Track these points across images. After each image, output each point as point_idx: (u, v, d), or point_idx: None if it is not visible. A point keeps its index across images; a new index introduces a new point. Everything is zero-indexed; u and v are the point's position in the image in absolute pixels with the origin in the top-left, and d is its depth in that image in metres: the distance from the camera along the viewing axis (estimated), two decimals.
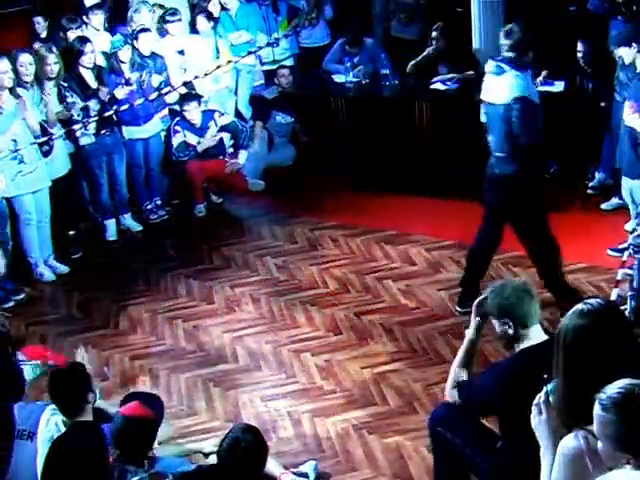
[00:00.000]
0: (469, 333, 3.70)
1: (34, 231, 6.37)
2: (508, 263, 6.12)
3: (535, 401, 2.65)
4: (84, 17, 7.42)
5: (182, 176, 7.56)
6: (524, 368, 3.38)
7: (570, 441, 2.48)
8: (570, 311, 2.66)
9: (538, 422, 2.63)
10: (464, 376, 3.63)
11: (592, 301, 2.64)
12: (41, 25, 7.78)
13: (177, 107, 7.51)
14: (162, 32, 7.60)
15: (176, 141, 7.37)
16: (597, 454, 2.34)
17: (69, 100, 6.51)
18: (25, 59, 6.23)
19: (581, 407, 2.43)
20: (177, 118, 7.45)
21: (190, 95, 7.41)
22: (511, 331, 3.44)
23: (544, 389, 2.65)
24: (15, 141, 6.01)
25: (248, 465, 3.26)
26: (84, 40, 6.71)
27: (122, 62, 6.93)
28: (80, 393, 3.59)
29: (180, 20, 7.61)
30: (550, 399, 2.62)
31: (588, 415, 2.35)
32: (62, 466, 3.10)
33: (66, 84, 6.54)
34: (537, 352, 3.38)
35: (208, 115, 7.49)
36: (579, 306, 2.65)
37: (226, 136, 7.68)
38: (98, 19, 7.39)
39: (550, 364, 2.73)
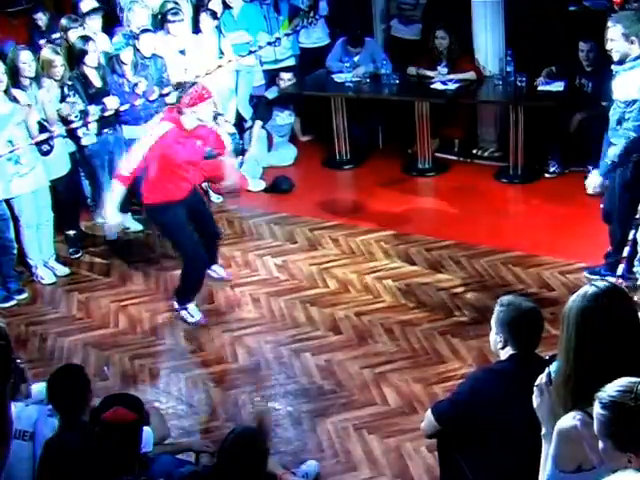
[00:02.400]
0: None
1: (34, 233, 6.36)
2: (508, 263, 6.13)
3: (537, 382, 2.65)
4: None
5: None
6: (505, 374, 3.40)
7: (566, 421, 2.48)
8: (576, 292, 2.66)
9: (540, 403, 2.63)
10: None
11: (599, 283, 2.64)
12: (43, 20, 7.75)
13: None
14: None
15: None
16: (593, 436, 2.34)
17: (70, 100, 6.50)
18: (26, 57, 6.20)
19: (581, 389, 2.43)
20: None
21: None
22: (500, 345, 3.44)
23: (547, 370, 2.65)
24: (11, 142, 5.94)
25: (249, 466, 3.26)
26: (87, 39, 6.69)
27: (124, 63, 6.92)
28: (78, 396, 3.56)
29: (182, 20, 7.59)
30: (552, 380, 2.62)
31: (586, 398, 2.36)
32: (54, 467, 3.09)
33: (70, 83, 6.53)
34: (524, 358, 3.39)
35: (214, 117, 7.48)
36: (586, 288, 2.63)
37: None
38: (96, 23, 7.35)
39: (534, 370, 2.74)
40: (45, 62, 6.34)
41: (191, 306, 5.82)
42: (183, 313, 5.81)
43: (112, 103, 6.63)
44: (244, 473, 3.24)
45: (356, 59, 8.25)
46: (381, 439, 4.47)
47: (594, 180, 5.40)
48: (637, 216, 5.30)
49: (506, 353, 3.45)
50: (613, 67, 5.24)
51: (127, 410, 3.38)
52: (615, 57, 5.15)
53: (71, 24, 7.04)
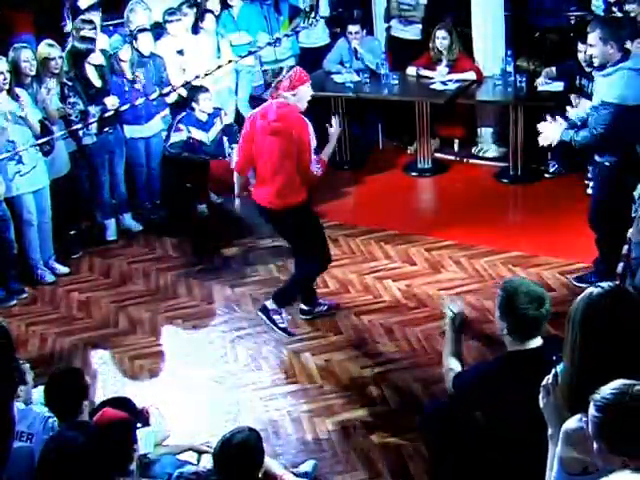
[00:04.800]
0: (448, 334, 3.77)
1: (35, 232, 6.36)
2: (508, 263, 6.13)
3: (543, 382, 2.65)
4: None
5: (193, 173, 7.49)
6: (503, 372, 3.35)
7: (572, 423, 2.49)
8: (582, 294, 2.66)
9: (546, 403, 2.63)
10: (457, 365, 3.63)
11: (604, 284, 2.64)
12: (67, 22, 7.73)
13: (187, 97, 7.47)
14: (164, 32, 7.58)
15: (175, 138, 7.32)
16: None
17: (71, 100, 6.49)
18: (28, 54, 6.19)
19: (585, 390, 2.43)
20: (183, 114, 7.40)
21: (201, 87, 7.38)
22: (504, 331, 3.35)
23: (553, 370, 2.65)
24: (13, 142, 5.94)
25: (245, 467, 3.26)
26: (91, 39, 6.68)
27: (123, 61, 6.94)
28: (75, 400, 3.56)
29: (180, 20, 7.60)
30: (558, 380, 2.62)
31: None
32: (53, 466, 3.09)
33: (71, 83, 6.52)
34: (523, 358, 3.31)
35: (215, 112, 7.47)
36: (591, 289, 2.65)
37: (226, 138, 7.67)
38: (96, 19, 7.36)
39: (532, 371, 2.73)
40: (42, 56, 6.31)
41: (284, 313, 5.48)
42: (276, 317, 5.42)
43: (112, 103, 6.63)
44: (241, 474, 3.23)
45: (356, 58, 8.25)
46: (381, 439, 4.47)
47: (551, 129, 5.34)
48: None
49: (507, 341, 3.37)
50: (594, 73, 5.19)
51: (116, 411, 3.38)
52: (595, 62, 5.08)
53: (84, 25, 7.00)
